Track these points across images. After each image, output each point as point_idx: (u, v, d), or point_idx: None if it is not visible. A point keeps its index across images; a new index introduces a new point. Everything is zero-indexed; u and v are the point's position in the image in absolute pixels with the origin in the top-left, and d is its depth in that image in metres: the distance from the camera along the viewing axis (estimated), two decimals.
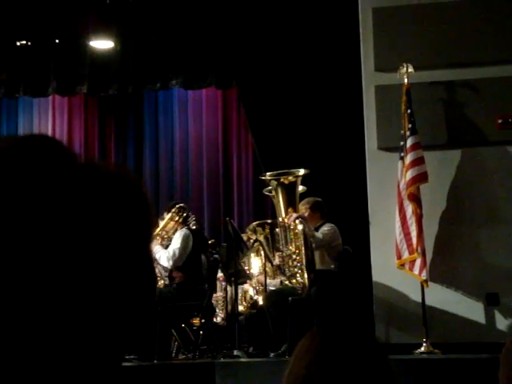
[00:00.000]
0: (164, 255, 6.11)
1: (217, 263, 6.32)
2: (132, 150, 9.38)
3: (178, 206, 6.48)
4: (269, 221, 6.89)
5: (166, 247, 6.28)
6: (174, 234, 6.31)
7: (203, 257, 6.42)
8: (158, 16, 7.74)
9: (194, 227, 6.55)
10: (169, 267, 6.11)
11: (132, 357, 5.84)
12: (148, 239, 0.63)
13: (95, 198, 0.59)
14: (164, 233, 6.35)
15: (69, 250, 0.56)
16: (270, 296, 6.03)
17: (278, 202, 5.96)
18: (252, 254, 6.87)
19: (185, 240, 6.14)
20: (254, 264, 7.01)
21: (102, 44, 7.97)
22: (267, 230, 6.68)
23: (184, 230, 6.24)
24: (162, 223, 6.37)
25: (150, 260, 0.64)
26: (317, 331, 1.26)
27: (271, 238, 6.61)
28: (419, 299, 5.68)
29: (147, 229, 0.63)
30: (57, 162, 0.59)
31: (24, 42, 8.01)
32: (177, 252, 6.10)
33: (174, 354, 6.32)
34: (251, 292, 7.07)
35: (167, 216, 6.33)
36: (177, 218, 6.34)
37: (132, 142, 9.35)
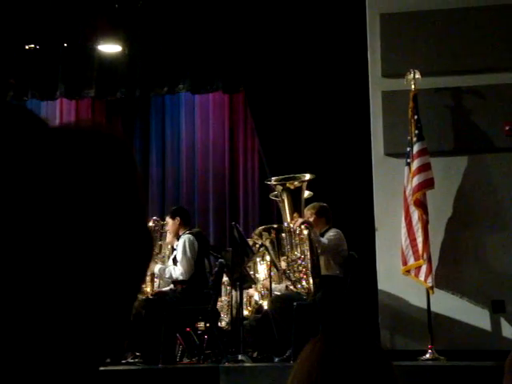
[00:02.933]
0: (177, 271, 6.11)
1: (222, 267, 6.32)
2: (138, 153, 9.39)
3: (178, 207, 6.59)
4: (275, 226, 6.88)
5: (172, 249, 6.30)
6: (176, 237, 6.31)
7: (205, 260, 6.43)
8: (166, 20, 7.76)
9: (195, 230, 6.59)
10: (185, 279, 6.12)
11: (137, 360, 5.85)
12: (136, 194, 0.58)
13: (69, 158, 0.55)
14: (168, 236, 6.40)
15: (45, 217, 0.53)
16: (275, 301, 6.02)
17: (284, 206, 5.96)
18: (258, 259, 6.87)
19: (191, 247, 6.15)
20: (260, 269, 7.01)
21: (110, 48, 8.00)
22: (273, 235, 6.67)
23: (187, 235, 6.23)
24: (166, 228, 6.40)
25: (143, 222, 0.59)
26: (320, 337, 1.26)
27: (277, 243, 6.61)
28: (425, 306, 5.66)
29: (132, 182, 0.59)
30: (24, 127, 0.56)
31: (32, 46, 8.04)
32: (191, 262, 6.11)
33: (178, 358, 6.32)
34: (256, 297, 7.06)
35: (171, 221, 6.34)
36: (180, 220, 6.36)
37: (139, 145, 9.37)
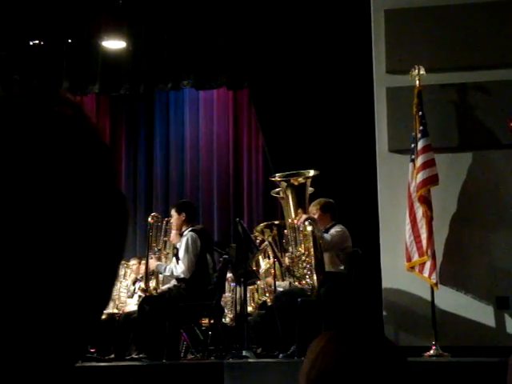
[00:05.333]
0: (179, 269, 6.09)
1: (227, 263, 6.32)
2: (143, 149, 9.41)
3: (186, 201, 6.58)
4: (276, 222, 6.89)
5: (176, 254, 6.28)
6: (179, 233, 6.30)
7: (208, 256, 6.42)
8: (170, 16, 7.76)
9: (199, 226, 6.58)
10: (186, 277, 6.10)
11: (141, 356, 5.86)
12: (96, 158, 0.51)
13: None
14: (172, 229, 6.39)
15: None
16: (279, 297, 6.03)
17: (288, 203, 5.95)
18: (260, 256, 6.88)
19: (194, 244, 6.13)
20: (263, 265, 7.02)
21: (114, 44, 8.00)
22: (275, 231, 6.68)
23: (190, 233, 6.19)
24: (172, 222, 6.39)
25: (113, 189, 0.51)
26: (328, 332, 1.25)
27: (279, 240, 6.61)
28: (429, 302, 5.66)
29: (87, 144, 0.51)
30: None
31: (37, 42, 8.05)
32: (192, 260, 6.09)
33: (182, 354, 6.34)
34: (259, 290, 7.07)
35: (176, 215, 6.32)
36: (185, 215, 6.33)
37: (143, 141, 9.38)
